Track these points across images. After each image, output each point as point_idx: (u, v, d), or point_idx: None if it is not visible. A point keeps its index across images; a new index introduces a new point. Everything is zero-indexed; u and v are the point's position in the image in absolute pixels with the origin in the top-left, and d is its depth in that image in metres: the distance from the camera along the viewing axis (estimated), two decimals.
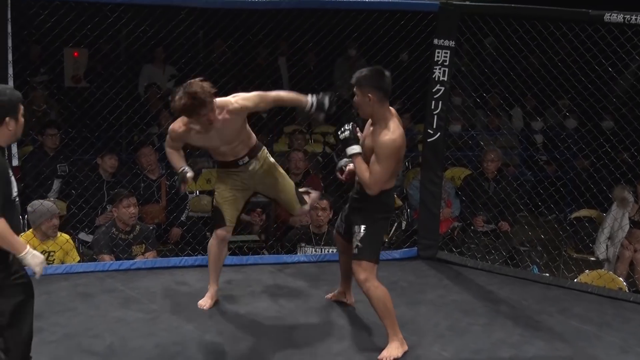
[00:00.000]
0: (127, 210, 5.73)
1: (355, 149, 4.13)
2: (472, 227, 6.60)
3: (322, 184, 6.86)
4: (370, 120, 4.25)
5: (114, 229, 5.78)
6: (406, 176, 7.77)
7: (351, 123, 4.18)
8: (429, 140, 5.89)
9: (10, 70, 5.10)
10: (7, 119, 3.33)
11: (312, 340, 4.50)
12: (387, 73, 4.14)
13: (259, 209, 6.46)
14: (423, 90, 6.09)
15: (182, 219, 6.63)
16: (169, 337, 4.47)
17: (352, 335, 4.61)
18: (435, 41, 5.77)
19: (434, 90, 5.81)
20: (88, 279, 5.33)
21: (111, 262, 5.59)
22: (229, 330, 4.60)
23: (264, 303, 5.09)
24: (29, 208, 5.54)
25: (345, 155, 4.25)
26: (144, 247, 5.84)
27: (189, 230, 6.34)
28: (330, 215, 6.01)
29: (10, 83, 5.09)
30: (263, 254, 6.18)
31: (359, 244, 4.23)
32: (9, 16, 5.00)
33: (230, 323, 4.72)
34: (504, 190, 6.62)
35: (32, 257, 3.42)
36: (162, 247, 6.29)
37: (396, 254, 6.11)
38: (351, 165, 4.29)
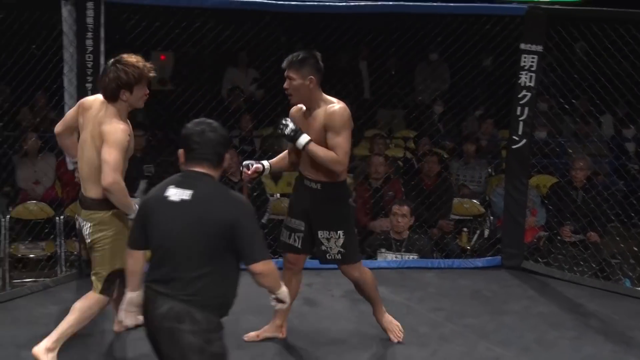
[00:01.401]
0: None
1: (305, 136, 3.90)
2: (559, 237, 6.43)
3: (402, 189, 6.83)
4: (299, 111, 4.08)
5: None
6: (489, 183, 7.66)
7: (287, 118, 4.02)
8: (513, 147, 5.80)
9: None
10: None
11: (392, 346, 4.49)
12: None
13: None
14: (508, 96, 6.00)
15: (262, 221, 6.69)
16: None
17: (432, 341, 4.57)
18: (522, 46, 5.67)
19: (519, 96, 5.71)
20: None
21: None
22: (310, 334, 4.63)
23: (344, 307, 5.09)
24: None
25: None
26: None
27: (270, 233, 6.38)
28: (411, 222, 5.97)
29: None
30: None
31: (342, 249, 4.12)
32: (102, 21, 5.17)
33: (311, 326, 4.75)
34: (593, 199, 6.40)
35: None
36: None
37: (479, 262, 6.03)
38: (259, 165, 4.19)
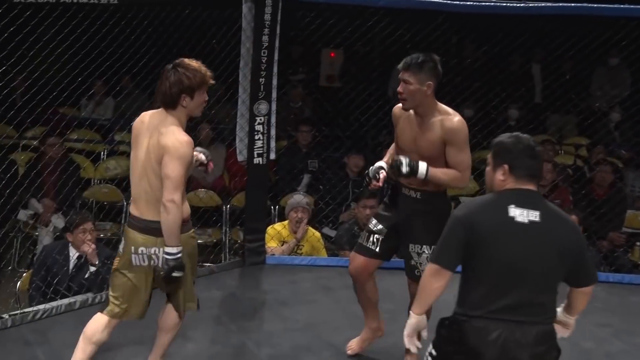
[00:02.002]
0: (364, 210, 5.83)
1: (423, 166, 3.60)
2: None
3: (570, 198, 6.58)
4: (403, 113, 3.76)
5: (356, 227, 5.93)
6: None
7: (399, 157, 3.65)
8: None
9: (275, 69, 5.43)
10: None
11: None
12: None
13: None
14: None
15: None
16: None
17: (596, 358, 4.38)
18: None
19: None
20: (330, 272, 5.52)
21: None
22: None
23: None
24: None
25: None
26: None
27: None
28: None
29: (274, 81, 5.43)
30: None
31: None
32: (279, 18, 5.32)
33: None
34: None
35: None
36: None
37: None
38: (384, 172, 3.80)
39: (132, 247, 3.37)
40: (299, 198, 5.79)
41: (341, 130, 7.25)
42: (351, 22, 6.16)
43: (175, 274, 3.34)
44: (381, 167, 3.83)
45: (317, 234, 5.95)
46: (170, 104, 3.34)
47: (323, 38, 6.30)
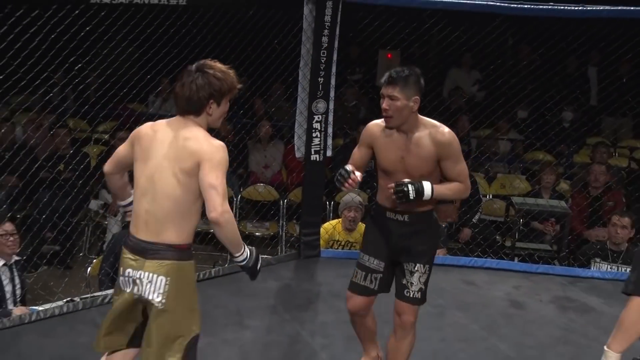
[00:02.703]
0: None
1: (428, 186, 3.30)
2: None
3: (624, 200, 6.49)
4: (382, 130, 3.41)
5: None
6: None
7: (402, 181, 3.31)
8: None
9: (333, 69, 5.50)
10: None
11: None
12: None
13: (552, 219, 6.28)
14: None
15: (473, 220, 6.66)
16: (453, 333, 4.56)
17: None
18: None
19: None
20: None
21: None
22: (512, 336, 4.57)
23: (552, 313, 4.97)
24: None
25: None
26: None
27: (480, 232, 6.36)
28: (632, 234, 5.66)
29: (333, 81, 5.50)
30: (554, 264, 6.01)
31: (423, 287, 3.48)
32: (339, 19, 5.38)
33: (515, 329, 4.69)
34: None
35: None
36: (452, 245, 6.38)
37: None
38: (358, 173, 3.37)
39: (121, 268, 2.90)
40: (352, 196, 5.82)
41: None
42: (409, 23, 6.17)
43: (257, 269, 2.98)
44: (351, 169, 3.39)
45: None
46: (194, 110, 2.86)
47: (380, 39, 6.32)
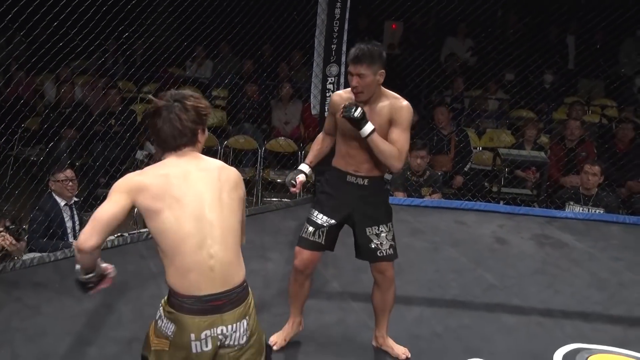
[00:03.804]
0: (416, 160, 5.78)
1: (371, 125, 2.98)
2: None
3: (595, 151, 6.39)
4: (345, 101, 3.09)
5: (409, 172, 5.92)
6: None
7: (354, 102, 3.04)
8: None
9: (345, 37, 5.40)
10: None
11: (573, 285, 4.30)
12: None
13: (533, 168, 6.20)
14: None
15: (465, 169, 6.60)
16: (446, 265, 4.55)
17: (610, 286, 4.31)
18: None
19: None
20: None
21: (404, 198, 5.76)
22: (497, 267, 4.55)
23: (531, 248, 4.95)
24: None
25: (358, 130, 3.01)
26: (431, 189, 5.93)
27: (471, 180, 6.30)
28: (601, 180, 5.59)
29: (344, 47, 5.40)
30: (534, 206, 5.96)
31: (392, 242, 3.24)
32: None
33: (499, 261, 4.67)
34: None
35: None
36: (446, 190, 6.33)
37: None
38: (301, 177, 3.24)
39: (192, 335, 2.16)
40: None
41: (399, 90, 7.15)
42: None
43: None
44: (300, 172, 3.26)
45: None
46: (191, 141, 2.23)
47: (386, 11, 6.19)
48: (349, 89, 3.10)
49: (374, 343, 3.47)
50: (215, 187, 2.19)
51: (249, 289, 2.25)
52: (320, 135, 3.37)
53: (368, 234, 3.20)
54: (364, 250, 3.24)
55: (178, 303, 2.16)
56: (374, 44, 3.03)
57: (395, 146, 3.02)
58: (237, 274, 2.21)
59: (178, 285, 2.16)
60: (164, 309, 2.20)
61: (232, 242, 2.20)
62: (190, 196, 2.15)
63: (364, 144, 3.04)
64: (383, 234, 3.21)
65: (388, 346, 3.43)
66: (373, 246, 3.21)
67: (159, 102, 2.22)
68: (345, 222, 3.24)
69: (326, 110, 5.43)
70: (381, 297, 3.35)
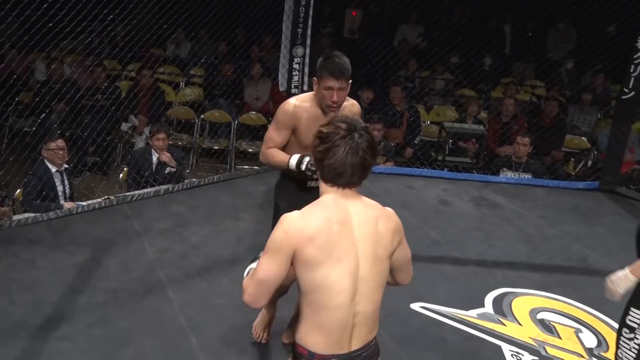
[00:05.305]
0: (373, 132, 5.76)
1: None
2: None
3: (526, 125, 6.49)
4: (310, 116, 2.69)
5: None
6: (598, 125, 7.10)
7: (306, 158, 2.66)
8: (623, 97, 5.31)
9: (310, 22, 5.33)
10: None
11: (502, 240, 4.40)
12: None
13: (473, 139, 6.27)
14: (624, 57, 5.45)
15: (415, 141, 6.64)
16: None
17: (535, 240, 4.41)
18: None
19: (635, 56, 5.17)
20: None
21: None
22: (440, 225, 4.62)
23: (470, 209, 5.02)
24: None
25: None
26: (385, 158, 5.96)
27: (420, 150, 6.34)
28: (530, 150, 5.69)
29: (309, 31, 5.34)
30: (473, 172, 6.04)
31: None
32: None
33: (443, 220, 4.73)
34: None
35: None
36: (398, 159, 6.37)
37: (580, 184, 5.68)
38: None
39: None
40: None
41: (357, 70, 7.13)
42: None
43: None
44: (304, 155, 2.70)
45: None
46: (361, 179, 1.82)
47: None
48: (303, 95, 2.75)
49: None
50: (372, 239, 1.78)
51: (378, 346, 1.89)
52: (272, 150, 2.78)
53: None
54: None
55: None
56: (342, 55, 2.63)
57: None
58: (374, 328, 1.85)
59: (321, 344, 1.77)
60: None
61: (378, 298, 1.82)
62: (348, 248, 1.75)
63: None
64: None
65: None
66: None
67: (341, 125, 1.76)
68: None
69: (293, 90, 5.40)
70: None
